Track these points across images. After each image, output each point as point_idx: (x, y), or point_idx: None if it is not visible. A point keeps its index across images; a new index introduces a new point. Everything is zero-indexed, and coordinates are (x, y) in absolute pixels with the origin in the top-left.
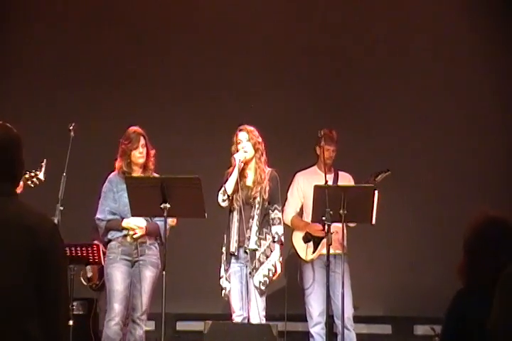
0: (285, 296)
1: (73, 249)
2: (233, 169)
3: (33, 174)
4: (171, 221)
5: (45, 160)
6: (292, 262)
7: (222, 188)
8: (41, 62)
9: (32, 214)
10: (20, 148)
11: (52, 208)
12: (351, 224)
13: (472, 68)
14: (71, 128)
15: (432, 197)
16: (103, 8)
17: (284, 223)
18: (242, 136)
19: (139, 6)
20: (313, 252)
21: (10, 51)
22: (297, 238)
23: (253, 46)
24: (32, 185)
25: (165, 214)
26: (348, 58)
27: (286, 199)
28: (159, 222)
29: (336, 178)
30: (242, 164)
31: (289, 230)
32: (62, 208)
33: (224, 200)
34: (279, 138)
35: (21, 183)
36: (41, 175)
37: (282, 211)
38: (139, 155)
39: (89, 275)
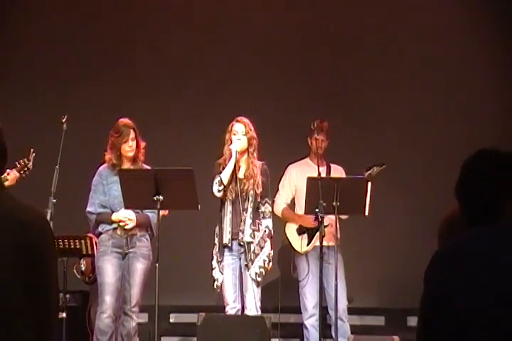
0: (279, 288)
1: (66, 241)
2: (226, 160)
3: (23, 164)
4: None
5: (32, 150)
6: (285, 254)
7: (218, 178)
8: (34, 55)
9: (22, 207)
10: (4, 140)
11: (44, 201)
12: (343, 217)
13: (470, 64)
14: (63, 120)
15: (425, 188)
16: (96, 7)
17: (274, 214)
18: (238, 127)
19: (134, 7)
20: (308, 244)
21: (6, 44)
22: (291, 230)
23: (247, 38)
24: (24, 176)
25: (158, 207)
26: (343, 52)
27: (277, 190)
28: (150, 213)
29: (328, 170)
30: (238, 154)
31: (281, 222)
32: (55, 201)
33: (220, 191)
34: (270, 129)
35: (17, 174)
36: (30, 165)
37: (273, 202)
38: (128, 148)
39: (83, 268)
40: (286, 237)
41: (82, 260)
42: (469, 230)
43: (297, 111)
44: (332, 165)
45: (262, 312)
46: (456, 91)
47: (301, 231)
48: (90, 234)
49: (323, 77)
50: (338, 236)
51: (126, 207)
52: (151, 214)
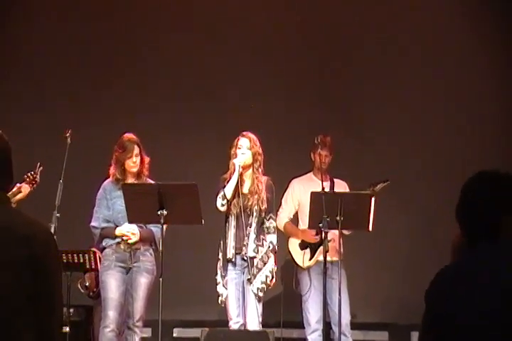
0: (281, 303)
1: (70, 255)
2: (231, 174)
3: (31, 177)
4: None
5: (39, 163)
6: (288, 269)
7: (221, 193)
8: (38, 68)
9: (27, 222)
10: (11, 155)
11: (48, 215)
12: (346, 232)
13: (473, 65)
14: (67, 135)
15: (431, 203)
16: (98, 12)
17: (278, 228)
18: (243, 142)
19: (134, 7)
20: (310, 259)
21: (5, 57)
22: (293, 245)
23: (250, 48)
24: (32, 189)
25: (162, 221)
26: (349, 63)
27: (280, 204)
28: (153, 228)
29: (332, 185)
30: (242, 169)
31: (284, 237)
32: (58, 215)
33: (223, 205)
34: (275, 143)
35: (29, 188)
36: (38, 178)
37: (276, 216)
38: (132, 164)
39: (87, 283)
40: (289, 252)
41: (86, 275)
42: (469, 249)
43: (302, 124)
44: (335, 180)
45: (264, 326)
46: (466, 106)
47: (303, 246)
48: (94, 249)
49: (330, 91)
50: (342, 251)
51: (130, 222)
52: (155, 229)
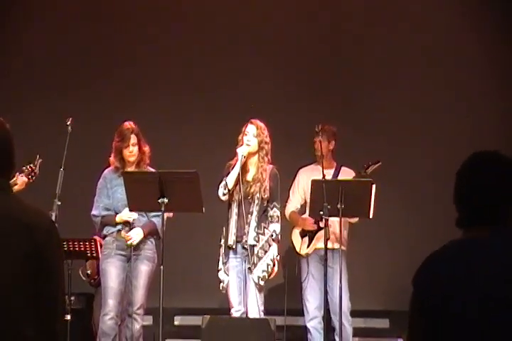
0: (285, 290)
1: (71, 243)
2: (235, 162)
3: (30, 169)
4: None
5: (38, 156)
6: (291, 257)
7: (223, 182)
8: (39, 57)
9: (29, 210)
10: (13, 143)
11: (49, 203)
12: (353, 220)
13: (473, 65)
14: (68, 123)
15: (431, 191)
16: (98, 8)
17: (285, 219)
18: (250, 129)
19: (136, 3)
20: (308, 246)
21: (8, 46)
22: (295, 233)
23: (252, 42)
24: (31, 181)
25: (162, 209)
26: (349, 57)
27: (289, 195)
28: (155, 218)
29: (336, 173)
30: (245, 159)
31: (289, 226)
32: (59, 203)
33: (224, 194)
34: (282, 133)
35: (25, 179)
36: (37, 170)
37: (284, 206)
38: (128, 153)
39: (89, 271)
40: (291, 240)
41: (87, 262)
42: (467, 233)
43: (309, 114)
44: (343, 168)
45: (269, 314)
46: (465, 97)
47: (303, 233)
48: (95, 237)
49: (331, 82)
50: (345, 237)
51: (131, 210)
52: (157, 220)
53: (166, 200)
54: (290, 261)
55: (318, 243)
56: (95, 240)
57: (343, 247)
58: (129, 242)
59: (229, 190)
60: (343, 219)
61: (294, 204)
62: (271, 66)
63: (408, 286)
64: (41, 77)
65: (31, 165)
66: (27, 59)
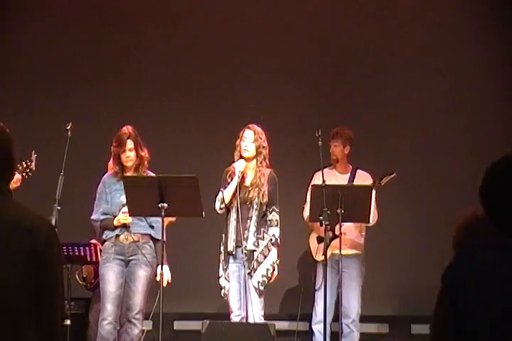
0: (300, 296)
1: (71, 248)
2: (233, 170)
3: (25, 165)
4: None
5: (33, 151)
6: (307, 261)
7: (220, 195)
8: (38, 61)
9: (29, 215)
10: (14, 147)
11: (49, 207)
12: (367, 225)
13: (481, 70)
14: (68, 127)
15: (432, 197)
16: (99, 9)
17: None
18: (247, 134)
19: (136, 4)
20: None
21: (7, 51)
22: (312, 238)
23: (256, 42)
24: (26, 177)
25: (162, 214)
26: (355, 58)
27: (306, 197)
28: (157, 224)
29: (352, 177)
30: (241, 174)
31: (300, 230)
32: (59, 208)
33: (221, 208)
34: (283, 136)
35: (19, 176)
36: (32, 166)
37: (303, 209)
38: (125, 158)
39: (85, 275)
40: (308, 245)
41: (83, 266)
42: (499, 234)
43: (309, 118)
44: (359, 172)
45: (285, 319)
46: (473, 102)
47: (320, 239)
48: (94, 241)
49: (337, 85)
50: (360, 243)
51: (131, 214)
52: (159, 225)
53: (165, 205)
54: (305, 265)
55: (333, 249)
56: (95, 245)
57: (358, 252)
58: (121, 221)
59: (225, 205)
60: (358, 224)
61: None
62: (271, 70)
63: (407, 292)
64: (41, 79)
65: (26, 161)
66: (25, 61)
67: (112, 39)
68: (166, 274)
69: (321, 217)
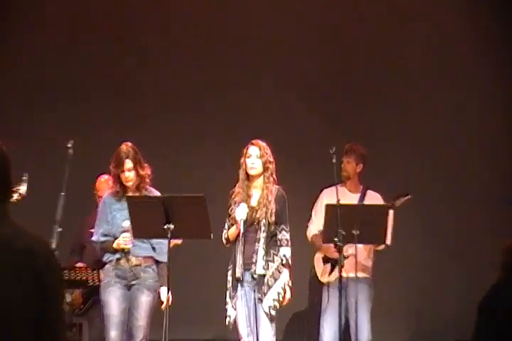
0: (305, 321)
1: (72, 272)
2: (240, 190)
3: (14, 189)
4: (177, 241)
5: (26, 174)
6: (314, 284)
7: (225, 234)
8: (38, 75)
9: (27, 236)
10: (10, 167)
11: (49, 229)
12: (379, 247)
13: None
14: (69, 145)
15: (451, 220)
16: (99, 21)
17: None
18: (252, 150)
19: (134, 16)
20: (330, 274)
21: (5, 65)
22: (318, 258)
23: (261, 56)
24: (14, 201)
25: (169, 236)
26: (360, 72)
27: (311, 216)
28: (159, 245)
29: (362, 198)
30: (244, 224)
31: (311, 250)
32: (60, 230)
33: (227, 244)
34: (290, 151)
35: None
36: (23, 190)
37: (307, 227)
38: (125, 179)
39: (69, 299)
40: (313, 265)
41: (69, 290)
42: None
43: (315, 133)
44: (369, 192)
45: None
46: (486, 117)
47: (326, 260)
48: (80, 264)
49: (341, 98)
50: (369, 266)
51: (135, 236)
52: (166, 258)
53: (171, 226)
54: (312, 287)
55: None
56: (97, 269)
57: (366, 275)
58: (121, 246)
59: (230, 242)
60: (368, 246)
61: (316, 226)
62: (278, 85)
63: (424, 317)
64: (40, 98)
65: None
66: (27, 77)
67: (111, 55)
68: (164, 296)
69: (335, 239)
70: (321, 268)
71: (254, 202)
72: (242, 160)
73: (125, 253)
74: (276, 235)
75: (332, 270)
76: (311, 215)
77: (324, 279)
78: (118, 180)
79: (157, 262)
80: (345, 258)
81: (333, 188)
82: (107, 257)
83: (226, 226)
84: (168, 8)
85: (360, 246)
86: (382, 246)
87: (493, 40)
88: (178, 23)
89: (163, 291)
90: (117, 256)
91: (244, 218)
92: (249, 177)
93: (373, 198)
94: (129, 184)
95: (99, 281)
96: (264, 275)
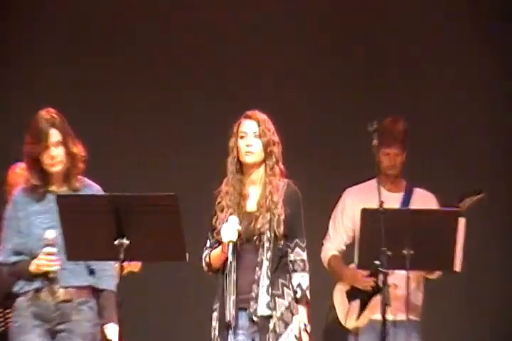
0: None
1: None
2: (225, 195)
3: None
4: (134, 265)
5: None
6: (335, 331)
7: (206, 258)
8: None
9: None
10: None
11: None
12: (432, 276)
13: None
14: None
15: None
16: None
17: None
18: (248, 126)
19: (134, 17)
20: (358, 316)
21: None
22: (339, 293)
23: (258, 46)
24: None
25: (121, 256)
26: (360, 72)
27: (328, 228)
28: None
29: (407, 199)
30: (233, 249)
31: (329, 279)
32: None
33: (208, 271)
34: (299, 138)
35: None
36: None
37: (322, 245)
38: (49, 160)
39: None
40: (333, 304)
41: None
42: None
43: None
44: (416, 191)
45: None
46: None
47: (351, 295)
48: None
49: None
50: (417, 304)
51: (69, 258)
52: (114, 285)
53: (126, 242)
54: (333, 335)
55: (375, 311)
56: (5, 305)
57: (414, 317)
58: (41, 268)
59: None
60: (416, 273)
61: (335, 243)
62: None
63: None
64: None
65: None
66: (21, 84)
67: (102, 57)
68: (112, 336)
69: (377, 262)
70: (344, 308)
71: (251, 206)
72: (231, 142)
73: (49, 280)
74: (286, 255)
75: (363, 309)
76: (327, 228)
77: (350, 324)
78: (36, 166)
79: (97, 291)
80: (380, 290)
81: (362, 186)
82: (19, 287)
83: (208, 244)
84: (168, 9)
85: (401, 272)
86: (438, 274)
87: (493, 40)
88: (173, 27)
89: (111, 329)
90: (36, 285)
91: (234, 240)
92: (243, 169)
93: (424, 198)
94: (56, 168)
95: (7, 325)
96: (269, 318)
